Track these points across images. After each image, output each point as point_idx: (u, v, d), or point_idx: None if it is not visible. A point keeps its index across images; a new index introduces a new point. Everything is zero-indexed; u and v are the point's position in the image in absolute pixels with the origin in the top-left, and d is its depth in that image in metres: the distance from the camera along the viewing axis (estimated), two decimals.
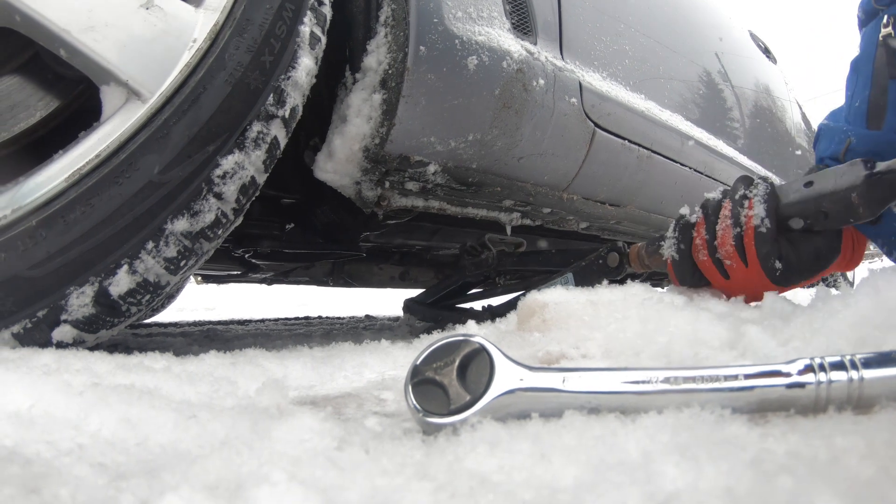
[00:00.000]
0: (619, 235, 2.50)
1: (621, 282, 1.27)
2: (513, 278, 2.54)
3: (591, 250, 1.46)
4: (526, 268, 1.88)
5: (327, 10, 1.32)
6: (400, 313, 4.19)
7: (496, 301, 1.82)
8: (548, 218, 2.09)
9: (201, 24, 1.14)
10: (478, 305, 2.06)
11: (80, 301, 1.05)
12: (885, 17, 1.21)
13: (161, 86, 1.09)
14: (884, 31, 1.20)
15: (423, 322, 1.92)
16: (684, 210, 1.25)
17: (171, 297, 3.30)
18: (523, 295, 1.57)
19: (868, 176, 1.04)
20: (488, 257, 1.83)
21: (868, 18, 1.29)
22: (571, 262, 1.68)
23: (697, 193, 1.36)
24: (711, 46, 2.88)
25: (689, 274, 1.23)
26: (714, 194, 1.23)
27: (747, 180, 1.19)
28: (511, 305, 1.60)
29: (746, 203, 1.14)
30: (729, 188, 1.21)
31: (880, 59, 1.22)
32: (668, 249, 1.23)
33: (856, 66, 1.30)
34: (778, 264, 1.11)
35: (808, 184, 1.11)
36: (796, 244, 1.14)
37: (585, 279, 1.42)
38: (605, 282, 1.31)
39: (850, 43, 1.40)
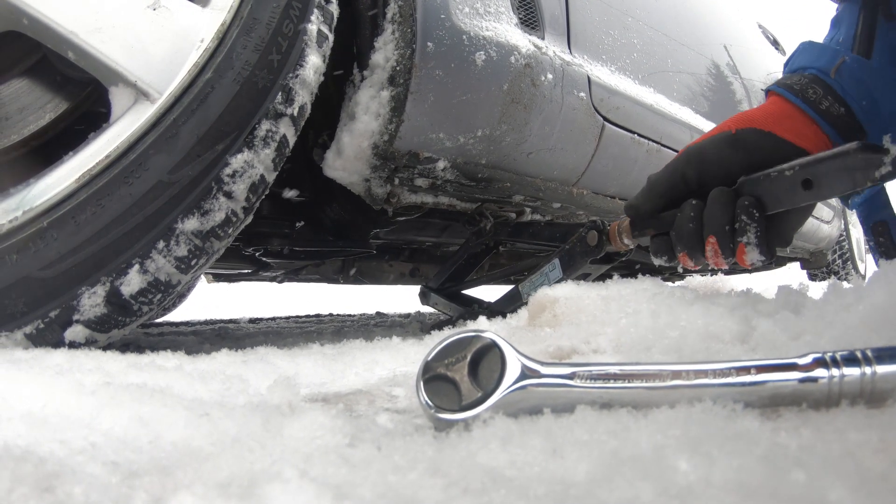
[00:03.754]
0: None
1: (632, 275, 1.26)
2: (509, 254, 2.53)
3: (575, 227, 1.46)
4: (519, 239, 1.89)
5: (334, 8, 1.32)
6: (411, 310, 4.19)
7: (490, 297, 1.83)
8: (558, 213, 2.09)
9: (208, 24, 1.14)
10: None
11: (92, 301, 1.05)
12: None
13: (169, 86, 1.10)
14: None
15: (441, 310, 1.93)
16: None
17: (182, 296, 3.31)
18: (514, 289, 1.58)
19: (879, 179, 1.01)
20: (486, 226, 1.84)
21: None
22: (557, 236, 1.68)
23: None
24: (720, 39, 2.87)
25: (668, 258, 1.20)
26: (687, 212, 1.14)
27: (724, 198, 1.11)
28: (507, 300, 1.59)
29: (737, 243, 1.09)
30: (698, 209, 1.13)
31: (868, 3, 1.18)
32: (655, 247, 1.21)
33: (836, 20, 1.25)
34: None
35: (806, 183, 1.04)
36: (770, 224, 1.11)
37: (570, 262, 1.42)
38: (614, 277, 1.31)
39: None
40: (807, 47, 1.24)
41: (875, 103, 1.13)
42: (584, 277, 1.52)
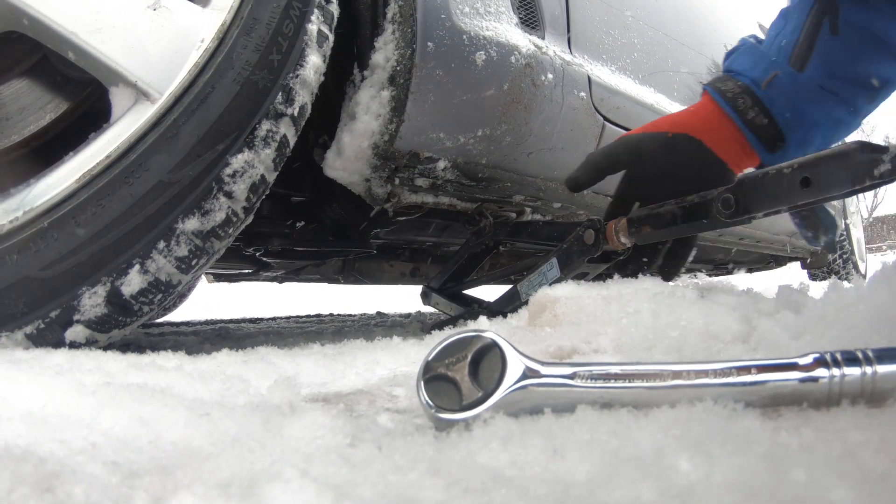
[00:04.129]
0: None
1: (633, 275, 1.26)
2: (509, 254, 2.54)
3: (573, 227, 1.46)
4: (518, 239, 1.89)
5: (334, 8, 1.31)
6: (411, 310, 4.19)
7: (492, 297, 1.83)
8: (558, 213, 2.09)
9: (209, 24, 1.14)
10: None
11: (93, 301, 1.05)
12: None
13: (170, 86, 1.10)
14: None
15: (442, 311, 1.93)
16: None
17: (182, 297, 3.31)
18: (513, 288, 1.57)
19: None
20: (486, 226, 1.85)
21: None
22: (556, 235, 1.69)
23: None
24: (720, 38, 2.86)
25: None
26: None
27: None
28: (506, 300, 1.59)
29: None
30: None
31: (816, 13, 1.25)
32: None
33: (786, 13, 1.32)
34: None
35: (805, 181, 1.05)
36: None
37: (567, 261, 1.42)
38: (614, 276, 1.31)
39: None
40: (748, 50, 1.35)
41: (799, 114, 1.26)
42: (583, 277, 1.52)
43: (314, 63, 1.23)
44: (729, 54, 1.40)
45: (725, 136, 1.31)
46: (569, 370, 0.66)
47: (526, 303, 1.45)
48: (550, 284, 1.37)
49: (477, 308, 1.70)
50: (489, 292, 2.04)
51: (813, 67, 1.26)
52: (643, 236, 1.30)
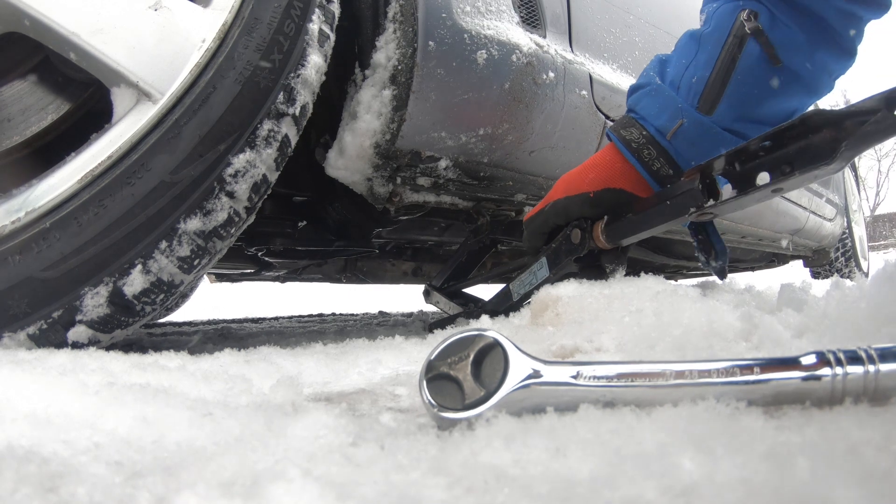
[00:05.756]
0: None
1: (636, 273, 1.26)
2: (511, 253, 2.53)
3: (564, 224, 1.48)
4: (513, 237, 1.90)
5: (335, 8, 1.32)
6: (413, 309, 4.19)
7: (484, 296, 1.83)
8: None
9: (210, 24, 1.14)
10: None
11: (95, 301, 1.05)
12: (745, 11, 1.20)
13: (171, 86, 1.10)
14: (748, 26, 1.19)
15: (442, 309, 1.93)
16: None
17: (185, 296, 3.31)
18: (505, 287, 1.58)
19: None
20: (483, 224, 1.86)
21: None
22: None
23: None
24: None
25: None
26: None
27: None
28: (500, 299, 1.59)
29: None
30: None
31: (731, 47, 1.22)
32: None
33: (699, 38, 1.29)
34: None
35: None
36: None
37: (556, 260, 1.43)
38: (617, 275, 1.31)
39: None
40: (653, 92, 1.31)
41: (704, 157, 1.20)
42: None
43: (315, 62, 1.23)
44: (633, 89, 1.37)
45: (636, 180, 1.31)
46: (571, 369, 0.66)
47: (519, 301, 1.46)
48: (540, 284, 1.38)
49: (473, 307, 1.70)
50: (492, 291, 2.04)
51: (722, 110, 1.23)
52: (616, 228, 1.31)
